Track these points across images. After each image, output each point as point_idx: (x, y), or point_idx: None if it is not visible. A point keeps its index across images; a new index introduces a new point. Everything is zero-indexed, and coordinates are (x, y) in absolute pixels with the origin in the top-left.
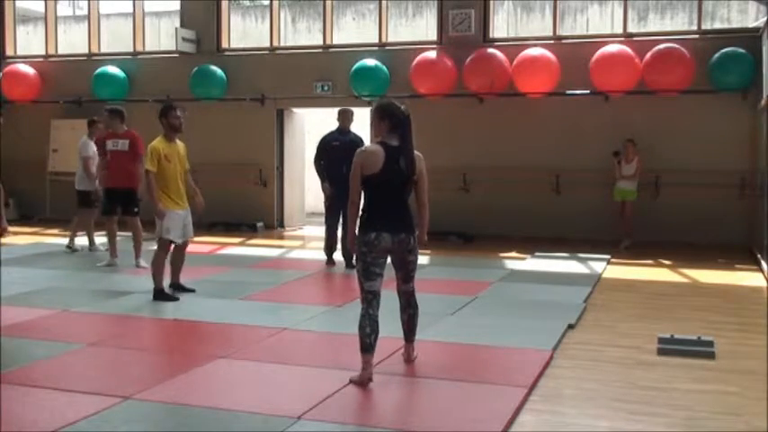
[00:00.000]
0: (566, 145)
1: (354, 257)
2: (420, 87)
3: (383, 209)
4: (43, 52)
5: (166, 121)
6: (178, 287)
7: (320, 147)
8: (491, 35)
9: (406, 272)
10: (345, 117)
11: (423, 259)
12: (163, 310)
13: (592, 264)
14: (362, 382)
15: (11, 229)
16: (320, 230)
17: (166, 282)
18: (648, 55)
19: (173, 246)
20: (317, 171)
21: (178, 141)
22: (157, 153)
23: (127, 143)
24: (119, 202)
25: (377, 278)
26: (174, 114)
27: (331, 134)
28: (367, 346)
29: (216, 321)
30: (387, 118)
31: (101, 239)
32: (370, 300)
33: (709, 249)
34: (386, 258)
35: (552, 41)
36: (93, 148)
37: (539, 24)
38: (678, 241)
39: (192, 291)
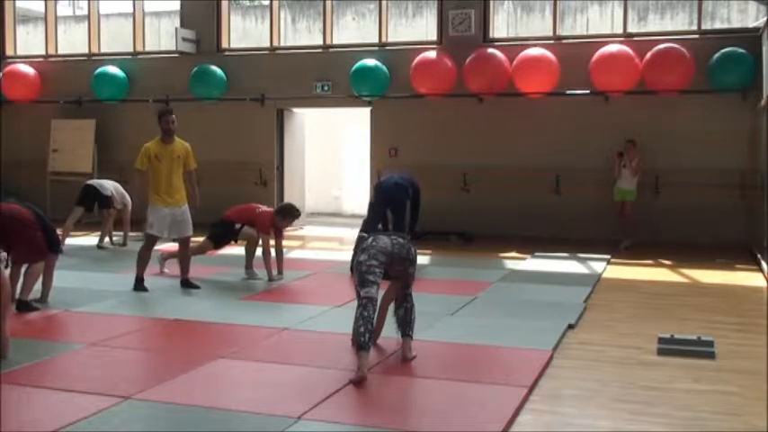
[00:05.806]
0: (566, 145)
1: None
2: (420, 87)
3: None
4: (43, 52)
5: (160, 125)
6: (186, 284)
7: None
8: (491, 35)
9: (405, 282)
10: None
11: (423, 259)
12: (163, 309)
13: (592, 264)
14: (358, 381)
15: None
16: (320, 230)
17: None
18: (648, 55)
19: (168, 243)
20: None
21: (179, 142)
22: (148, 153)
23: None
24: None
25: (372, 285)
26: (166, 119)
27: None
28: (362, 344)
29: (216, 321)
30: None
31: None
32: (366, 304)
33: (709, 249)
34: (383, 265)
35: (552, 41)
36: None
37: (539, 24)
38: (678, 241)
39: (198, 287)
